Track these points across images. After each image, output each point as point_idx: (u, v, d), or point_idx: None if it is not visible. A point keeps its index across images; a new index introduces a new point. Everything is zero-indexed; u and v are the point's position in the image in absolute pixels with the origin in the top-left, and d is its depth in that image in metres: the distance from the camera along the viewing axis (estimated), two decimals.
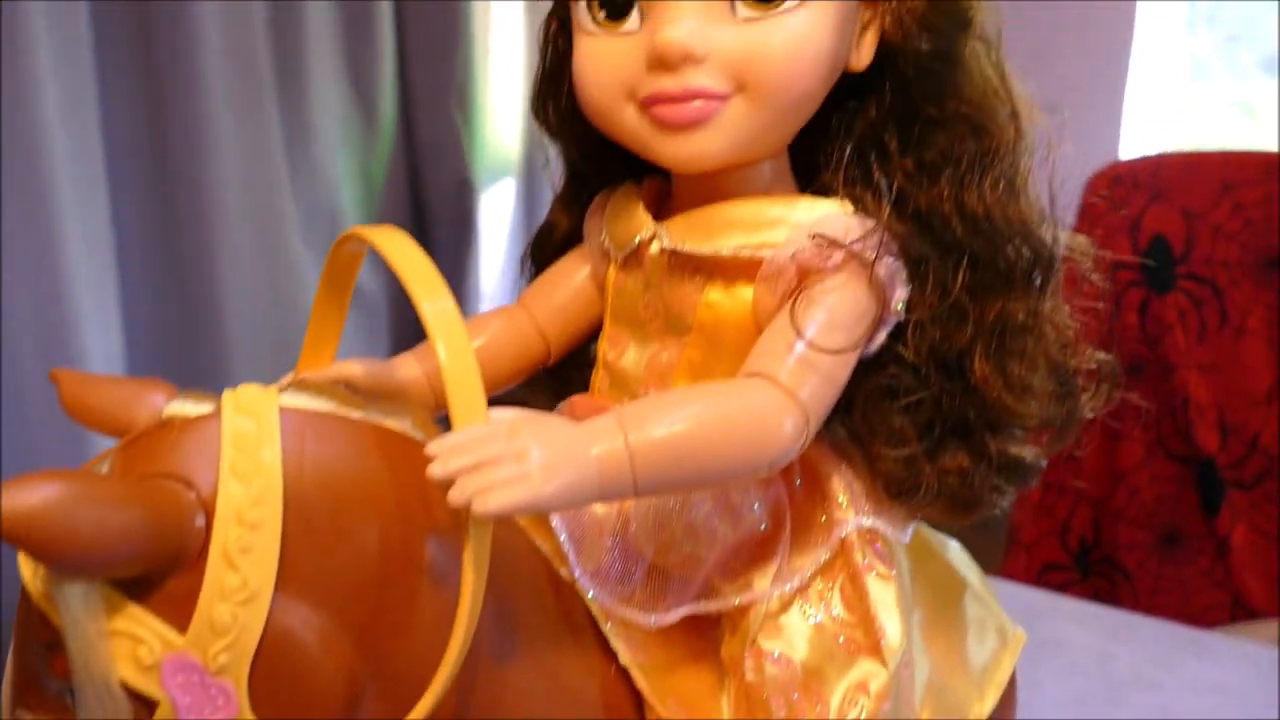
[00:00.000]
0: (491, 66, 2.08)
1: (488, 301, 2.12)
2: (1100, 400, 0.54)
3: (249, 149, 1.77)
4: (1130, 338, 1.31)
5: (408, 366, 0.57)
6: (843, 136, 0.51)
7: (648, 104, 0.47)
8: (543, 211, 2.34)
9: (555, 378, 0.61)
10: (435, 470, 0.40)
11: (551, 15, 0.56)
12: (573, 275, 0.59)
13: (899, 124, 0.50)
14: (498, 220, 2.14)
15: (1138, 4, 2.08)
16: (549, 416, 0.43)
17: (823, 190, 0.52)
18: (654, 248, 0.52)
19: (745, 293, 0.49)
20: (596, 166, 0.58)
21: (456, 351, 0.41)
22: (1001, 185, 0.50)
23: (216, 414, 0.44)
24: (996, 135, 0.50)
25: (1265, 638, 1.21)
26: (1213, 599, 1.36)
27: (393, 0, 1.97)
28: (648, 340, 0.53)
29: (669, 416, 0.44)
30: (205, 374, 1.75)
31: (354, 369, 0.54)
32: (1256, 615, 1.31)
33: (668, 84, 0.46)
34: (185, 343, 1.73)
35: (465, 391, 0.41)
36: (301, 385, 0.47)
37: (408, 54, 2.00)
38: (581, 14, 0.49)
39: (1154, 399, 1.33)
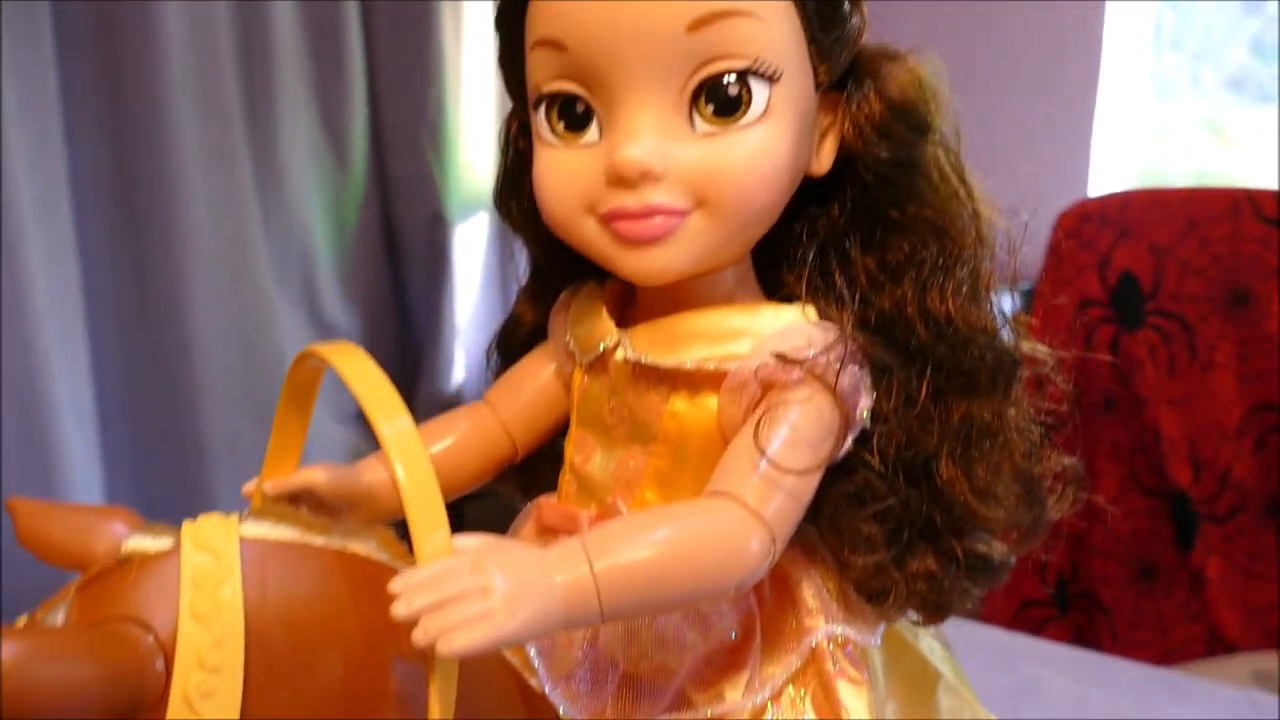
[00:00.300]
0: (464, 100, 2.08)
1: (463, 334, 2.11)
2: (1066, 503, 0.53)
3: (219, 191, 1.75)
4: (1102, 374, 1.31)
5: (372, 471, 0.56)
6: (805, 240, 0.51)
7: (608, 219, 0.47)
8: (515, 246, 2.34)
9: (523, 471, 0.60)
10: (399, 609, 0.39)
11: (512, 116, 0.55)
12: (538, 373, 0.59)
13: (860, 227, 0.50)
14: (471, 254, 2.14)
15: (1104, 32, 2.11)
16: (512, 544, 0.42)
17: (786, 293, 0.52)
18: (618, 355, 0.51)
19: (710, 402, 0.49)
20: (559, 264, 0.58)
21: (417, 478, 0.40)
22: (964, 289, 0.49)
23: (176, 550, 0.43)
24: (958, 238, 0.50)
25: (1240, 673, 1.22)
26: (1190, 631, 1.36)
27: (363, 37, 1.97)
28: (614, 446, 0.53)
29: (634, 541, 0.43)
30: (177, 420, 1.73)
31: (318, 476, 0.53)
32: (1233, 648, 1.32)
33: (627, 201, 0.46)
34: (156, 390, 1.71)
35: (427, 520, 0.41)
36: (263, 512, 0.46)
37: (379, 91, 1.99)
38: (541, 124, 0.49)
39: (1126, 434, 1.34)
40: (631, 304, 0.53)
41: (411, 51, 2.03)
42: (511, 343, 0.62)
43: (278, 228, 1.87)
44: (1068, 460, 0.53)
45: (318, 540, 0.46)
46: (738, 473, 0.46)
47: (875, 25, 0.48)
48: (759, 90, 0.45)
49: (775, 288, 0.52)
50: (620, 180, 0.45)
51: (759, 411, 0.46)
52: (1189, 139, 2.33)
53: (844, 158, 0.50)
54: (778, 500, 0.45)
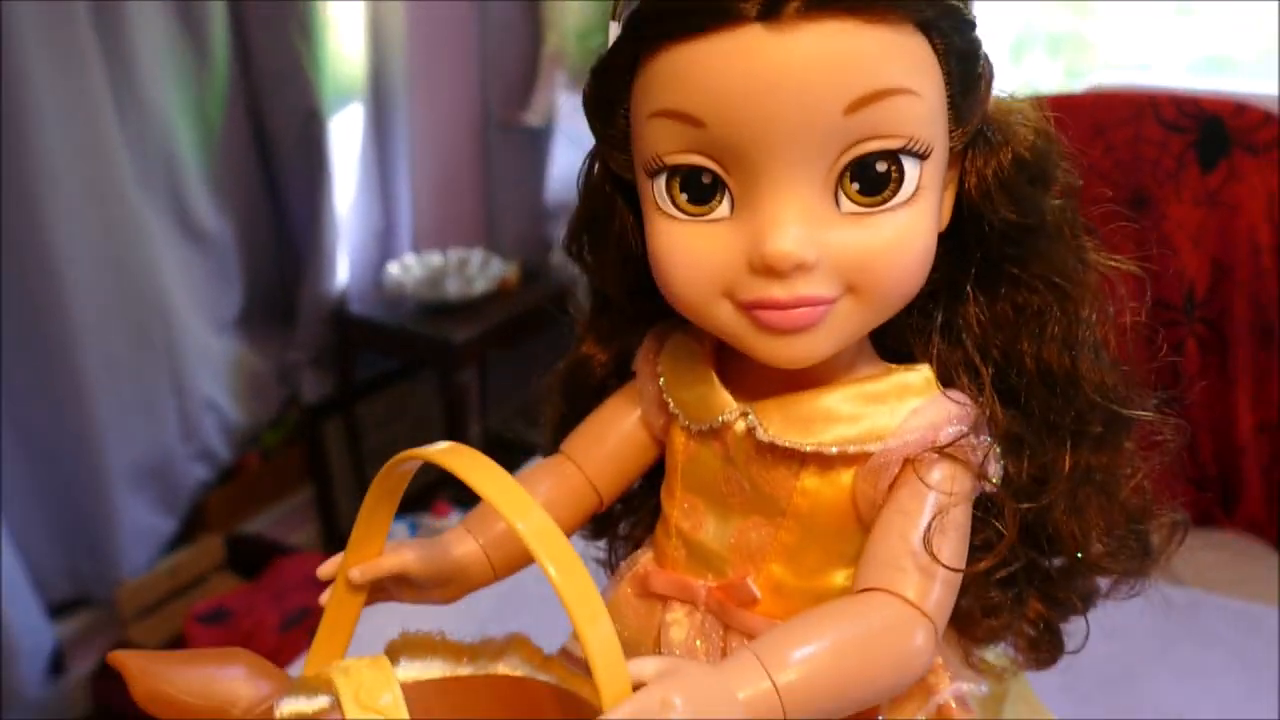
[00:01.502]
0: None
1: (345, 229, 2.01)
2: (1175, 550, 0.52)
3: (68, 96, 1.60)
4: None
5: (462, 543, 0.52)
6: (923, 300, 0.47)
7: (750, 307, 0.43)
8: (393, 135, 2.21)
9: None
10: None
11: (595, 157, 0.50)
12: (620, 422, 0.55)
13: (980, 283, 0.48)
14: (347, 147, 2.02)
15: None
16: (689, 666, 0.40)
17: (901, 348, 0.49)
18: (739, 427, 0.48)
19: (843, 478, 0.47)
20: (636, 308, 0.54)
21: (573, 581, 0.36)
22: (1082, 342, 0.48)
23: (336, 708, 0.40)
24: (1076, 292, 0.48)
25: None
26: None
27: None
28: (729, 515, 0.50)
29: (809, 650, 0.41)
30: (46, 345, 1.61)
31: (408, 557, 0.50)
32: None
33: (777, 293, 0.42)
34: (23, 316, 1.59)
35: (606, 655, 0.37)
36: (405, 648, 0.46)
37: None
38: (660, 195, 0.44)
39: None
40: (736, 362, 0.49)
41: None
42: (581, 388, 0.57)
43: (136, 131, 1.72)
44: (1176, 514, 0.53)
45: (465, 670, 0.46)
46: (895, 567, 0.44)
47: None
48: (910, 169, 0.41)
49: (881, 337, 0.50)
50: (770, 272, 0.42)
51: (908, 501, 0.45)
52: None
53: (962, 212, 0.47)
54: (937, 593, 0.44)
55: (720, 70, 0.39)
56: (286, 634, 1.62)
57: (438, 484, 2.30)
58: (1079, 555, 0.50)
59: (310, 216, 2.00)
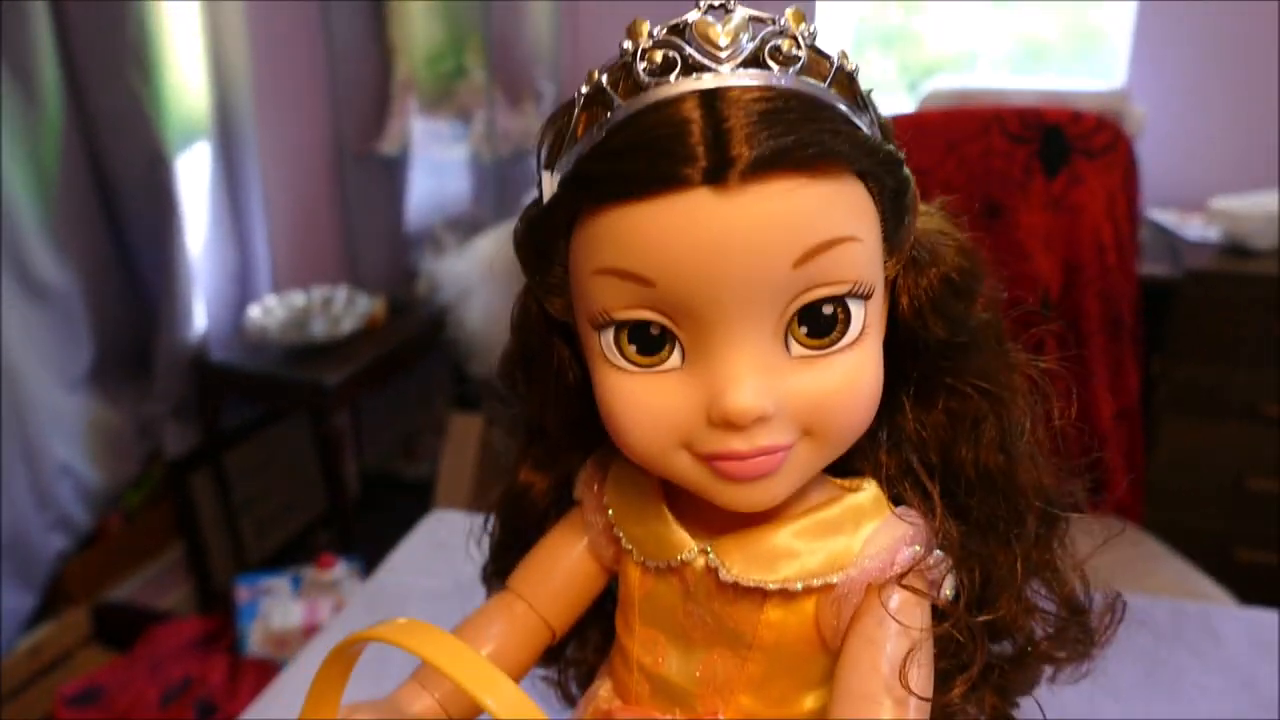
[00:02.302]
0: (168, 21, 1.83)
1: (199, 273, 1.93)
2: (1113, 631, 0.53)
3: None
4: None
5: (417, 699, 0.51)
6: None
7: (710, 459, 0.43)
8: (244, 173, 2.14)
9: None
10: None
11: (528, 297, 0.49)
12: (567, 554, 0.54)
13: (917, 397, 0.49)
14: (196, 188, 1.93)
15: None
16: None
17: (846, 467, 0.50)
18: (698, 564, 0.48)
19: (806, 608, 0.47)
20: (575, 437, 0.53)
21: None
22: (1020, 446, 0.49)
23: None
24: (1006, 396, 0.49)
25: None
26: None
27: None
28: (692, 648, 0.50)
29: None
30: None
31: (365, 715, 0.48)
32: None
33: (737, 445, 0.42)
34: None
35: None
36: None
37: (68, 14, 1.71)
38: (608, 349, 0.43)
39: None
40: (686, 495, 0.48)
41: None
42: (523, 516, 0.56)
43: None
44: (1112, 591, 0.55)
45: None
46: (870, 700, 0.44)
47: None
48: (856, 310, 0.42)
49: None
50: (729, 426, 0.41)
51: (874, 629, 0.45)
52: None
53: (896, 329, 0.47)
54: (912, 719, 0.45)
55: (668, 234, 0.39)
56: (168, 709, 1.54)
57: (317, 527, 2.23)
58: (1028, 649, 0.51)
59: (161, 263, 1.91)
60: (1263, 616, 0.98)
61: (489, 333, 1.94)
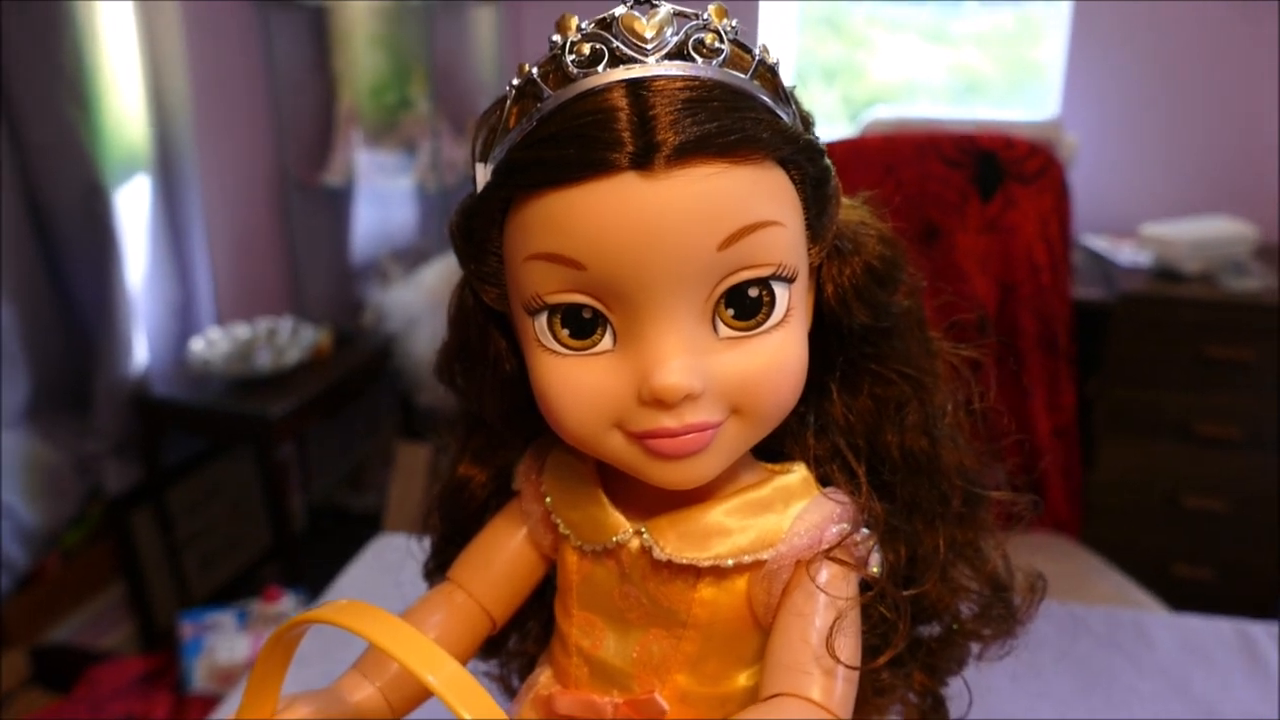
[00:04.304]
0: (105, 52, 1.82)
1: (139, 306, 1.90)
2: (1035, 608, 0.55)
3: None
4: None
5: (358, 688, 0.51)
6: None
7: (642, 437, 0.44)
8: (185, 204, 2.12)
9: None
10: None
11: (465, 288, 0.50)
12: (507, 543, 0.55)
13: (841, 382, 0.51)
14: (136, 219, 1.92)
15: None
16: None
17: (774, 439, 0.50)
18: (633, 545, 0.49)
19: (738, 585, 0.49)
20: (513, 428, 0.54)
21: None
22: (943, 429, 0.51)
23: None
24: (929, 381, 0.51)
25: None
26: None
27: None
28: (628, 629, 0.51)
29: None
30: None
31: (303, 713, 0.48)
32: None
33: (667, 422, 0.43)
34: None
35: None
36: None
37: (1, 44, 1.70)
38: (541, 332, 0.44)
39: None
40: (621, 479, 0.49)
41: None
42: (462, 509, 0.57)
43: None
44: (1032, 569, 0.57)
45: None
46: (799, 670, 0.46)
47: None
48: (780, 293, 0.44)
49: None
50: (659, 404, 0.43)
51: (803, 603, 0.47)
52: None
53: (821, 317, 0.49)
54: (841, 690, 0.46)
55: (598, 216, 0.41)
56: None
57: (263, 561, 2.20)
58: (954, 626, 0.53)
59: (99, 296, 1.88)
60: (1194, 623, 1.01)
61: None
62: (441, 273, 2.11)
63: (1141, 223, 2.02)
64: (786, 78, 0.46)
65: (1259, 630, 0.98)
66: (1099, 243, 2.09)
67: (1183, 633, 0.99)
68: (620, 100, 0.40)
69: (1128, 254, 2.00)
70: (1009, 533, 0.55)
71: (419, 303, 2.09)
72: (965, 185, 1.45)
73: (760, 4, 2.27)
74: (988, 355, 0.57)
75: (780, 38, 2.40)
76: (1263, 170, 2.12)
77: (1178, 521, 1.90)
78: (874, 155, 1.45)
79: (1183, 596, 1.63)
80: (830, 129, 2.30)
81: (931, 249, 1.45)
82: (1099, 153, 2.17)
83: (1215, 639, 0.97)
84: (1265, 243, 2.05)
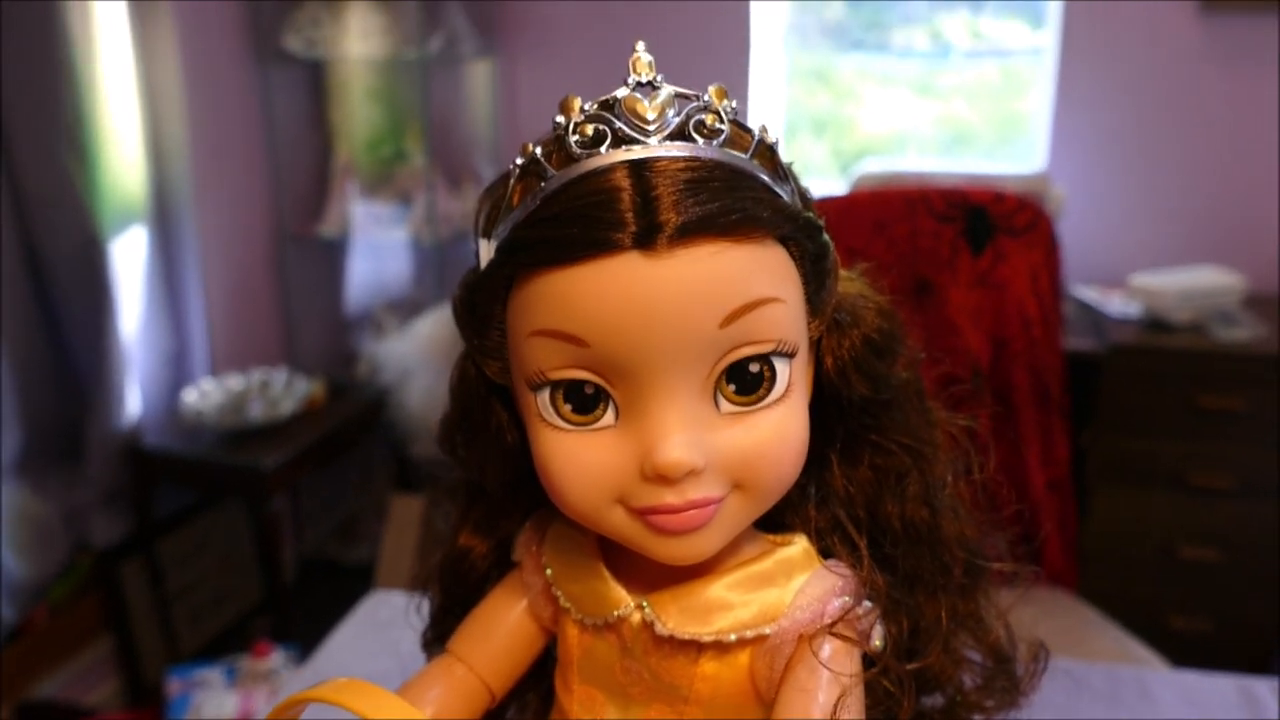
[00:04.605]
0: (103, 102, 1.83)
1: (133, 356, 1.90)
2: (1038, 678, 0.55)
3: None
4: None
5: None
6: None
7: (644, 513, 0.44)
8: (181, 255, 2.12)
9: None
10: None
11: (467, 360, 0.51)
12: (507, 615, 0.55)
13: (844, 453, 0.51)
14: (130, 273, 1.92)
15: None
16: None
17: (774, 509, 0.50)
18: (635, 619, 0.49)
19: (740, 659, 0.48)
20: (514, 499, 0.54)
21: None
22: (943, 500, 0.52)
23: None
24: (928, 451, 0.51)
25: None
26: None
27: None
28: (630, 705, 0.51)
29: None
30: None
31: None
32: None
33: (670, 499, 0.43)
34: None
35: None
36: None
37: (1, 94, 1.71)
38: (544, 408, 0.44)
39: None
40: (622, 551, 0.49)
41: (35, 47, 1.76)
42: (462, 580, 0.57)
43: None
44: (1035, 640, 0.56)
45: None
46: None
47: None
48: (781, 368, 0.44)
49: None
50: (662, 480, 0.43)
51: (806, 678, 0.47)
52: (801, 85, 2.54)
53: (821, 389, 0.49)
54: None
55: (601, 295, 0.41)
56: None
57: (253, 615, 2.17)
58: (957, 698, 0.53)
59: (93, 346, 1.88)
60: (1196, 679, 1.00)
61: (429, 414, 1.94)
62: (436, 324, 2.11)
63: (1130, 273, 2.03)
64: (782, 152, 0.46)
65: (1261, 686, 0.97)
66: (1089, 293, 2.11)
67: (1185, 689, 0.98)
68: (623, 180, 0.41)
69: (1117, 304, 2.01)
70: (1007, 591, 0.55)
71: (413, 354, 2.09)
72: (956, 240, 1.46)
73: (751, 57, 2.30)
74: (983, 415, 0.57)
75: (770, 89, 2.43)
76: (1249, 219, 2.14)
77: (1173, 571, 1.89)
78: (865, 211, 1.46)
79: (1180, 648, 1.62)
80: (820, 181, 2.32)
81: (924, 304, 1.46)
82: (1086, 203, 2.19)
83: (1217, 696, 0.96)
84: (1254, 292, 2.06)
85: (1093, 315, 2.02)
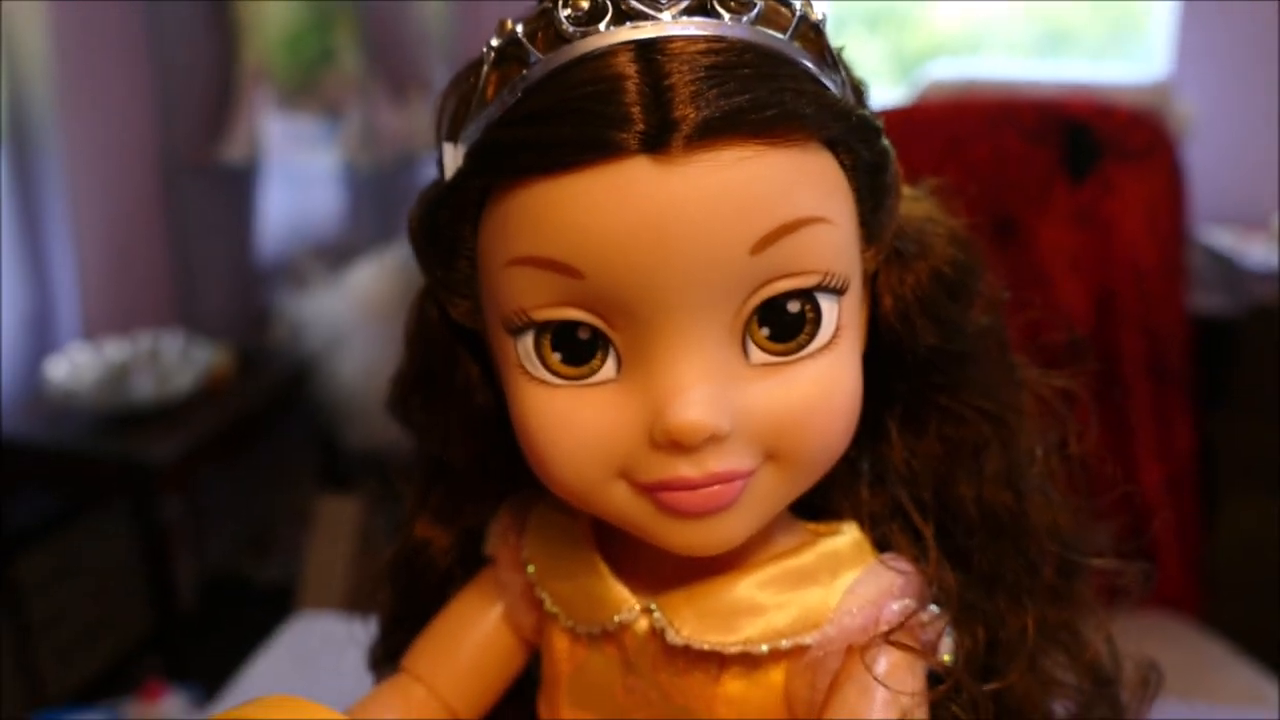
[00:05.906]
0: None
1: None
2: (1148, 707, 0.56)
3: None
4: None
5: None
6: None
7: (653, 489, 0.44)
8: (43, 189, 2.14)
9: None
10: None
11: (427, 299, 0.51)
12: (477, 624, 0.56)
13: (904, 419, 0.52)
14: None
15: None
16: None
17: (817, 493, 0.51)
18: (640, 627, 0.50)
19: (772, 677, 0.49)
20: (484, 475, 0.55)
21: None
22: (1026, 475, 0.52)
23: None
24: (1012, 419, 0.52)
25: None
26: None
27: None
28: None
29: None
30: None
31: None
32: None
33: (685, 471, 0.43)
34: None
35: None
36: None
37: None
38: (527, 356, 0.45)
39: None
40: (625, 542, 0.50)
41: None
42: (419, 582, 0.57)
43: None
44: (1144, 657, 0.57)
45: None
46: None
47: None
48: (828, 308, 0.44)
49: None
50: (675, 447, 0.43)
51: (857, 700, 0.47)
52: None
53: (877, 339, 0.49)
54: None
55: (599, 211, 0.41)
56: None
57: (141, 650, 2.19)
58: (1040, 713, 0.54)
59: None
60: None
61: (368, 391, 1.95)
62: (376, 274, 2.12)
63: (1275, 213, 2.04)
64: (830, 34, 0.46)
65: None
66: (1222, 239, 2.12)
67: None
68: (628, 67, 0.41)
69: (1259, 253, 2.02)
70: (1112, 611, 0.56)
71: (346, 313, 2.10)
72: (1050, 166, 1.47)
73: None
74: (1082, 385, 0.58)
75: None
76: None
77: None
78: (933, 128, 1.47)
79: None
80: (875, 91, 2.32)
81: (1007, 247, 1.47)
82: (1221, 123, 2.19)
83: None
84: None
85: (1227, 266, 2.03)
